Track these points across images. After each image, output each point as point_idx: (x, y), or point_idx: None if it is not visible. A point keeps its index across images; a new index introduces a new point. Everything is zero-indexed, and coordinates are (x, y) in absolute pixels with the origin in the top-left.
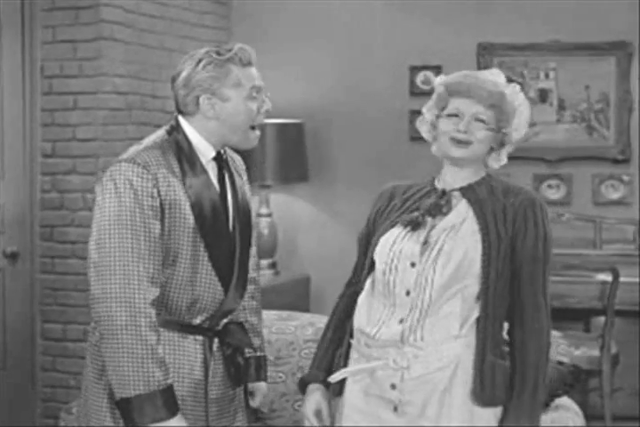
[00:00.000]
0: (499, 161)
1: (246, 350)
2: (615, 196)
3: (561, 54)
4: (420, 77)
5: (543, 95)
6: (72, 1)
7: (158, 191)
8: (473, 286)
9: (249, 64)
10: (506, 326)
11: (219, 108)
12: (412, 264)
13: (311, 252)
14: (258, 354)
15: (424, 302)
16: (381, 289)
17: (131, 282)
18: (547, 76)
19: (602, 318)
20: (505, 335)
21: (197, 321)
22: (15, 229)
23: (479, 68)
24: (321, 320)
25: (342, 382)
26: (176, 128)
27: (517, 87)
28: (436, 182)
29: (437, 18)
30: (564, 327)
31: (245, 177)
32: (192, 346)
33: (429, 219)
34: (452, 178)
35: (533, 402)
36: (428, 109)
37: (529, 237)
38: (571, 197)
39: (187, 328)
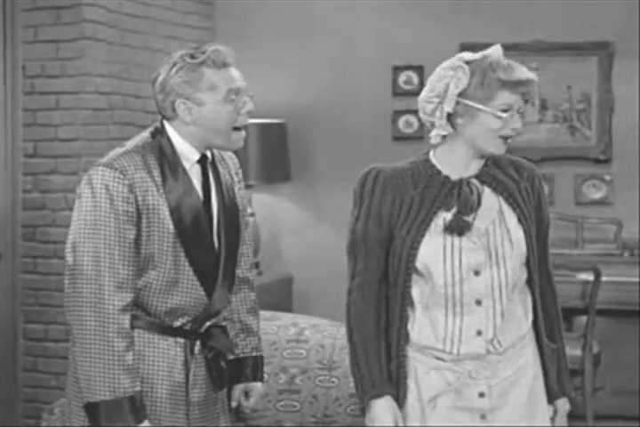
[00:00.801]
0: None
1: (228, 354)
2: (597, 195)
3: (543, 54)
4: (402, 78)
5: None
6: (54, 0)
7: (135, 197)
8: (523, 275)
9: (224, 66)
10: None
11: (195, 113)
12: (476, 272)
13: (294, 252)
14: (254, 354)
15: (502, 309)
16: (442, 302)
17: (102, 288)
18: None
19: (584, 318)
20: None
21: (178, 324)
22: None
23: None
24: (303, 320)
25: (404, 394)
26: (160, 131)
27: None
28: (440, 167)
29: (420, 18)
30: None
31: (239, 177)
32: (172, 348)
33: (464, 217)
34: (465, 166)
35: (568, 372)
36: (452, 93)
37: (544, 211)
38: (553, 196)
39: (168, 330)
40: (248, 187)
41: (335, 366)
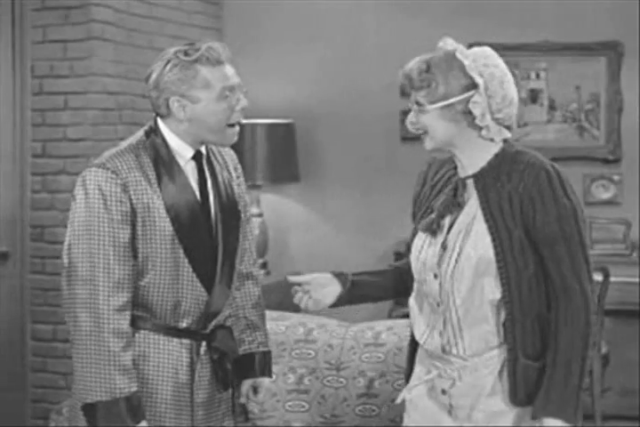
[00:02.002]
0: (490, 132)
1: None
2: (606, 196)
3: (551, 54)
4: None
5: (534, 95)
6: (62, 1)
7: (129, 196)
8: (496, 288)
9: (219, 63)
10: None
11: (190, 110)
12: (435, 275)
13: (302, 252)
14: (261, 349)
15: (453, 316)
16: (422, 296)
17: (96, 288)
18: (537, 76)
19: None
20: None
21: (184, 324)
22: (5, 229)
23: None
24: (312, 320)
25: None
26: (154, 130)
27: (454, 50)
28: (457, 162)
29: (428, 18)
30: None
31: (238, 172)
32: (178, 349)
33: (448, 217)
34: (466, 162)
35: (563, 394)
36: None
37: (539, 219)
38: None
39: (173, 331)
40: (256, 187)
41: (343, 367)
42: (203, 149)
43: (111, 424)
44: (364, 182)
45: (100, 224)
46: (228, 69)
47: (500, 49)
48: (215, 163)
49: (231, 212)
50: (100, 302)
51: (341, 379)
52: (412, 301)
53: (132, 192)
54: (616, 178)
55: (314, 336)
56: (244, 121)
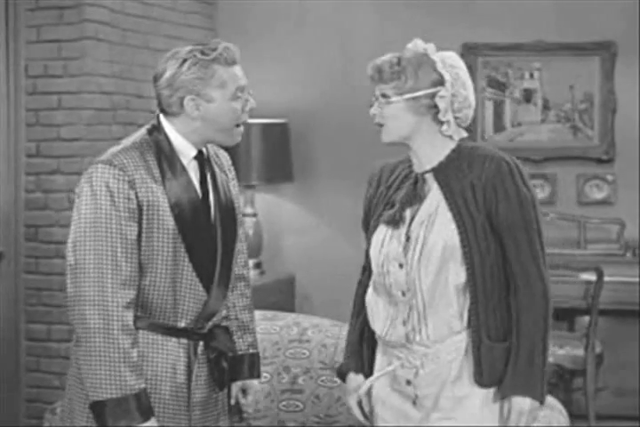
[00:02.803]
0: (450, 128)
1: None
2: (599, 195)
3: (545, 54)
4: None
5: (528, 95)
6: (56, 1)
7: (135, 193)
8: (460, 273)
9: (233, 63)
10: None
11: (203, 109)
12: (400, 265)
13: (296, 252)
14: (250, 351)
15: (419, 303)
16: (381, 290)
17: (104, 285)
18: (531, 76)
19: (586, 318)
20: None
21: (182, 324)
22: None
23: None
24: (306, 320)
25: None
26: (157, 128)
27: (425, 47)
28: (413, 160)
29: (422, 17)
30: None
31: (232, 174)
32: (175, 349)
33: (408, 210)
34: (423, 157)
35: (529, 373)
36: None
37: (501, 207)
38: (555, 196)
39: (171, 331)
40: (250, 187)
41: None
42: (204, 150)
43: (120, 422)
44: (358, 182)
45: (108, 221)
46: (239, 70)
47: (495, 49)
48: (214, 164)
49: (229, 213)
50: (109, 299)
51: (336, 378)
52: (369, 297)
53: (138, 189)
54: (610, 178)
55: (308, 336)
56: None
